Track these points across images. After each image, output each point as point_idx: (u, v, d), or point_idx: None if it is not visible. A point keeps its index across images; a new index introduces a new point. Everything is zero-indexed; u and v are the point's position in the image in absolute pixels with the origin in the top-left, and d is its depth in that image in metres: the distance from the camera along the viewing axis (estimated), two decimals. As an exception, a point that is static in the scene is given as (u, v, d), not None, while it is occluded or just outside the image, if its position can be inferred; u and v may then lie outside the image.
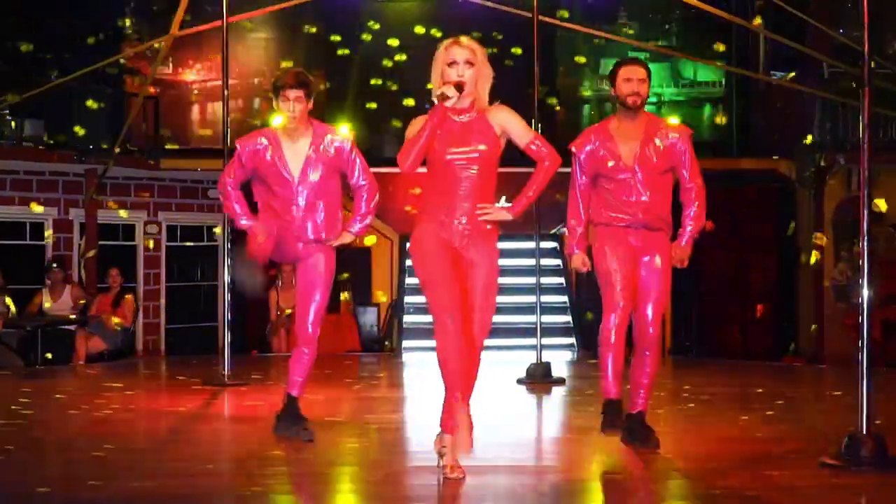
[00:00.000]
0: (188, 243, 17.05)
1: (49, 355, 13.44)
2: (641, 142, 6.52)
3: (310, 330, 6.72)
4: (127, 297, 14.20)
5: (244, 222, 6.89)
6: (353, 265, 15.16)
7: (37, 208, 15.13)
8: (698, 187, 6.58)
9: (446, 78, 5.59)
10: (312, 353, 6.77)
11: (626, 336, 6.52)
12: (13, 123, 14.77)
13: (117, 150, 14.51)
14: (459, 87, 5.54)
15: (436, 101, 5.53)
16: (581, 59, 17.56)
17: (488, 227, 5.66)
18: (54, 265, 14.22)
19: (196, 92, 17.85)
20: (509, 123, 5.68)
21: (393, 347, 15.19)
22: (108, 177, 15.12)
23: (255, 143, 6.76)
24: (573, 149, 6.65)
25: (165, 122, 16.68)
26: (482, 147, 5.60)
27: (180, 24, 12.98)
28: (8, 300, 13.42)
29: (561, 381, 10.22)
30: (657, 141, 6.54)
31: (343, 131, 6.89)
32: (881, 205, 13.64)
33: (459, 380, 5.49)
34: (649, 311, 6.50)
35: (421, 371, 11.47)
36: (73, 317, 13.87)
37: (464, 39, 5.63)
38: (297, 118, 6.67)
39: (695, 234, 6.60)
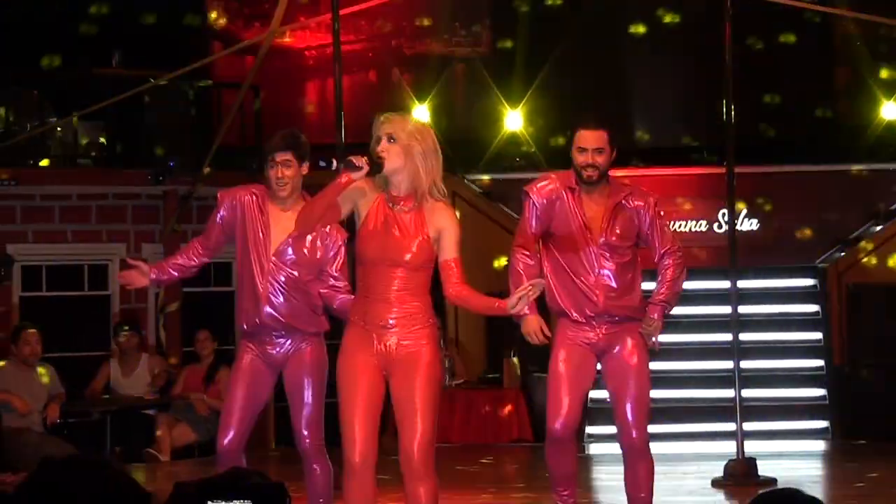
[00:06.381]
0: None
1: (118, 449, 10.63)
2: (606, 209, 5.73)
3: (306, 441, 5.74)
4: (223, 369, 10.30)
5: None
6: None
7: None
8: (673, 254, 5.82)
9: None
10: (324, 468, 5.77)
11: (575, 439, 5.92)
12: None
13: (206, 169, 10.84)
14: (377, 164, 4.70)
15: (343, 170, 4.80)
16: None
17: (416, 326, 4.79)
18: (126, 327, 10.82)
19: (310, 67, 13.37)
20: (446, 229, 4.80)
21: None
22: (195, 198, 11.14)
23: (239, 194, 5.84)
24: (529, 192, 5.79)
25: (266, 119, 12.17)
26: (408, 256, 4.76)
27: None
28: (43, 373, 10.02)
29: (772, 482, 8.14)
30: (623, 208, 5.76)
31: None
32: None
33: None
34: (629, 413, 5.71)
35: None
36: (152, 397, 10.78)
37: (393, 115, 4.83)
38: (287, 185, 5.71)
39: (667, 303, 5.78)
